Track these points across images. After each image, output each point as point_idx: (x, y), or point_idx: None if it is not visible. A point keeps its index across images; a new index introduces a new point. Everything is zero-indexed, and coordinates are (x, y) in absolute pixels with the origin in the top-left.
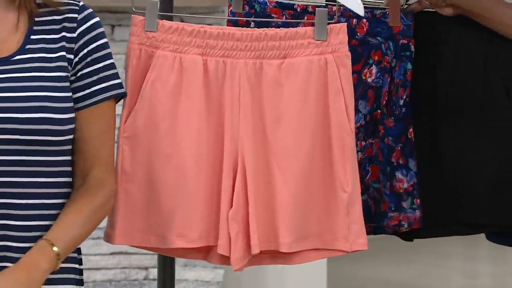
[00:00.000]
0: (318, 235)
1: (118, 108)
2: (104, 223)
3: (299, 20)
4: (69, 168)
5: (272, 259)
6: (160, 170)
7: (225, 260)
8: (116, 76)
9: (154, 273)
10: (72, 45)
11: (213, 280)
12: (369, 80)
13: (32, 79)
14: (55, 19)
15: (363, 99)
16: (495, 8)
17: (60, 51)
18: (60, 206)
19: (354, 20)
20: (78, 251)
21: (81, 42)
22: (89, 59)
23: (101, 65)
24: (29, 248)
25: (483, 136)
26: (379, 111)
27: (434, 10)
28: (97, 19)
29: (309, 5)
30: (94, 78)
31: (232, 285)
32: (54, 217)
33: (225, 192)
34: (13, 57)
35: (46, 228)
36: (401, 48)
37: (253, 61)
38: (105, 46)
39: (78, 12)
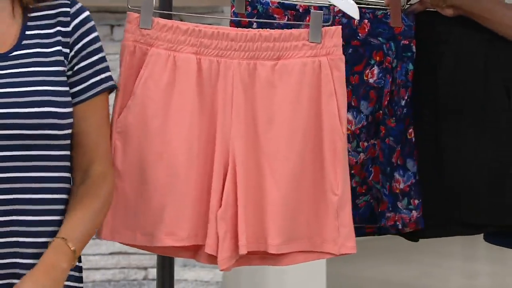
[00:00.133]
0: (307, 237)
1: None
2: None
3: (300, 22)
4: (68, 163)
5: (261, 260)
6: (150, 168)
7: (213, 259)
8: (108, 68)
9: (153, 273)
10: (68, 39)
11: (212, 280)
12: (371, 80)
13: (32, 74)
14: (49, 14)
15: (365, 100)
16: (495, 9)
17: (56, 46)
18: (60, 201)
19: (356, 20)
20: None
21: (76, 35)
22: (84, 52)
23: (95, 58)
24: (35, 243)
25: (483, 136)
26: (381, 111)
27: (435, 10)
28: (88, 12)
29: (311, 5)
30: (90, 71)
31: (231, 285)
32: (54, 212)
33: (215, 191)
34: (11, 53)
35: (48, 223)
36: (402, 48)
37: (247, 62)
38: (97, 39)
39: (70, 6)
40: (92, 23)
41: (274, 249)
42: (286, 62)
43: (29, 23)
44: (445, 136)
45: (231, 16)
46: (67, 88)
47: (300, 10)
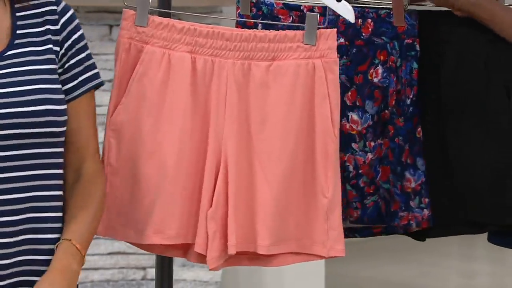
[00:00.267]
0: (296, 239)
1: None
2: None
3: (304, 24)
4: (62, 160)
5: (250, 260)
6: (143, 166)
7: (202, 258)
8: (95, 65)
9: (152, 273)
10: (57, 37)
11: (211, 280)
12: (375, 80)
13: (28, 72)
14: (36, 13)
15: (370, 99)
16: (495, 11)
17: (46, 44)
18: (59, 198)
19: (359, 20)
20: None
21: (65, 33)
22: (73, 49)
23: (83, 55)
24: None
25: (485, 137)
26: (386, 111)
27: (437, 10)
28: (72, 10)
29: (315, 6)
30: (80, 68)
31: (230, 285)
32: (55, 209)
33: (206, 191)
34: (5, 52)
35: (42, 220)
36: (406, 47)
37: (241, 62)
38: (83, 36)
39: (56, 4)
40: (77, 20)
41: (263, 250)
42: (281, 63)
43: (19, 22)
44: (447, 136)
45: (236, 18)
46: (60, 86)
47: (305, 11)
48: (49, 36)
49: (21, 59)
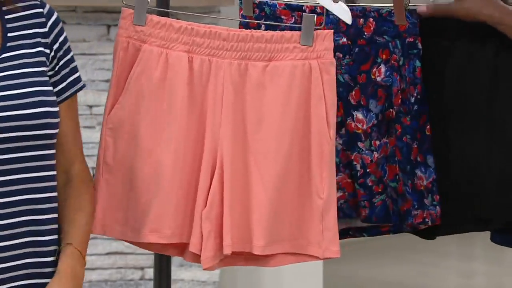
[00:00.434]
0: (292, 240)
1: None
2: None
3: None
4: (54, 162)
5: (246, 261)
6: (139, 164)
7: (198, 258)
8: (77, 68)
9: (150, 273)
10: (46, 40)
11: (209, 280)
12: (378, 79)
13: (23, 75)
14: (24, 15)
15: (373, 99)
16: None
17: (37, 47)
18: (50, 200)
19: (361, 19)
20: None
21: (53, 35)
22: (61, 51)
23: (69, 56)
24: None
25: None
26: (391, 109)
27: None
28: (56, 12)
29: (317, 6)
30: (67, 70)
31: (228, 285)
32: (51, 210)
33: (201, 190)
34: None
35: (40, 222)
36: (408, 46)
37: (238, 62)
38: (67, 38)
39: (41, 6)
40: (61, 22)
41: (258, 250)
42: (277, 64)
43: (8, 25)
44: (450, 136)
45: (238, 19)
46: (51, 88)
47: (307, 11)
48: (39, 39)
49: (15, 62)
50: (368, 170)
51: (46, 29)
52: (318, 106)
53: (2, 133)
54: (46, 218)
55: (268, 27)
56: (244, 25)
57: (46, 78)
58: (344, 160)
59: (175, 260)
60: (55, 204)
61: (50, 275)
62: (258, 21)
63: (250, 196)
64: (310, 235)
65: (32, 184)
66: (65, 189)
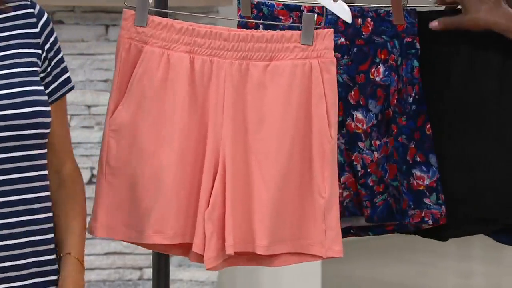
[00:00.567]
0: (294, 239)
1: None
2: None
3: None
4: (46, 161)
5: (250, 261)
6: (142, 166)
7: (201, 258)
8: (67, 68)
9: (148, 273)
10: (38, 40)
11: (208, 280)
12: (377, 79)
13: (14, 75)
14: (15, 15)
15: (372, 99)
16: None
17: (28, 47)
18: (44, 199)
19: (359, 19)
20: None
21: (44, 36)
22: (52, 52)
23: (60, 57)
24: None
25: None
26: (390, 109)
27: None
28: (46, 13)
29: (315, 6)
30: (58, 70)
31: (226, 285)
32: (41, 211)
33: (204, 191)
34: None
35: (34, 222)
36: (406, 46)
37: (239, 62)
38: (57, 38)
39: (32, 7)
40: (51, 23)
41: (262, 250)
42: (278, 64)
43: (0, 25)
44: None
45: (234, 18)
46: (43, 88)
47: (305, 11)
48: (31, 39)
49: (5, 62)
50: (369, 170)
51: (37, 30)
52: (319, 105)
53: None
54: (42, 218)
55: (266, 27)
56: (242, 26)
57: (38, 78)
58: (348, 160)
59: (174, 260)
60: (49, 204)
61: (50, 273)
62: (257, 21)
63: (252, 196)
64: (312, 235)
65: (26, 184)
66: (58, 191)
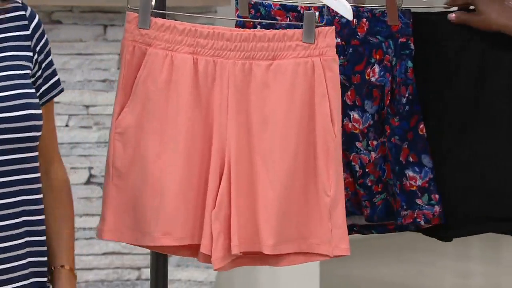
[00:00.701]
0: (301, 238)
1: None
2: (97, 223)
3: (301, 23)
4: (38, 164)
5: (258, 261)
6: (148, 168)
7: (209, 259)
8: (56, 71)
9: (146, 273)
10: (29, 43)
11: (206, 280)
12: (373, 79)
13: (6, 78)
14: (7, 18)
15: (368, 99)
16: None
17: (20, 49)
18: (40, 201)
19: (355, 20)
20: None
21: (35, 38)
22: (42, 55)
23: (50, 59)
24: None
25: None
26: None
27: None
28: (37, 15)
29: (311, 6)
30: (49, 72)
31: (225, 285)
32: (38, 212)
33: (211, 191)
34: None
35: (36, 223)
36: (400, 46)
37: (242, 62)
38: (48, 41)
39: (23, 9)
40: (42, 25)
41: (268, 249)
42: (281, 63)
43: None
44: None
45: (232, 18)
46: (35, 90)
47: (301, 12)
48: (22, 41)
49: (1, 64)
50: (367, 170)
51: (28, 32)
52: (322, 103)
53: None
54: (40, 219)
55: (264, 27)
56: (240, 26)
57: (30, 81)
58: (345, 160)
59: (172, 260)
60: (42, 206)
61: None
62: (254, 21)
63: (257, 195)
64: (319, 234)
65: (23, 186)
66: (47, 194)
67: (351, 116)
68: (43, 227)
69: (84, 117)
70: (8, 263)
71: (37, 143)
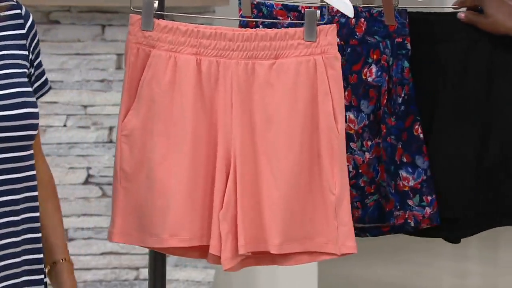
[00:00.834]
0: (307, 237)
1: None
2: (95, 223)
3: (302, 21)
4: (34, 162)
5: (266, 260)
6: (155, 170)
7: (218, 260)
8: (44, 70)
9: (145, 273)
10: (24, 42)
11: (204, 280)
12: (370, 79)
13: (4, 76)
14: (4, 16)
15: (365, 99)
16: None
17: (17, 48)
18: (36, 198)
19: (353, 20)
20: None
21: (30, 37)
22: (35, 54)
23: (40, 58)
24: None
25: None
26: (381, 110)
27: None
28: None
29: (312, 6)
30: (39, 71)
31: (223, 285)
32: (34, 209)
33: (218, 192)
34: None
35: (35, 219)
36: (397, 46)
37: (245, 62)
38: (39, 41)
39: (18, 7)
40: (35, 24)
41: (275, 249)
42: (283, 61)
43: None
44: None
45: (232, 18)
46: (31, 89)
47: (302, 11)
48: (18, 40)
49: None
50: (360, 171)
51: (24, 31)
52: (325, 101)
53: None
54: (37, 216)
55: (266, 27)
56: (243, 25)
57: (26, 80)
58: None
59: (170, 260)
60: (37, 203)
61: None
62: (257, 20)
63: (263, 195)
64: (325, 232)
65: (13, 185)
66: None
67: (347, 117)
68: (39, 224)
69: (82, 117)
70: (6, 260)
71: (33, 142)
